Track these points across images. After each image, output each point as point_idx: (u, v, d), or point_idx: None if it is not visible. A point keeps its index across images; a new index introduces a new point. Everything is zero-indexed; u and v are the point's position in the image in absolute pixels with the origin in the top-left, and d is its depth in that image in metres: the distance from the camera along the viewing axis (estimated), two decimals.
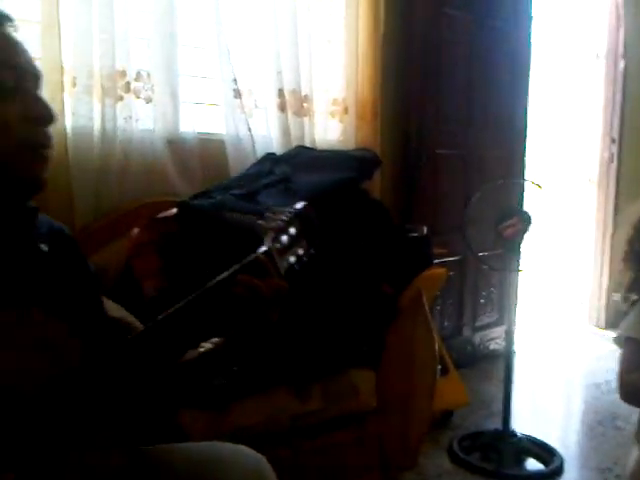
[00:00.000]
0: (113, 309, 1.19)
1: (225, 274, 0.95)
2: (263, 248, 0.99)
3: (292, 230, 1.05)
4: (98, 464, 0.86)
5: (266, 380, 1.77)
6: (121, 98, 2.02)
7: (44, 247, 0.96)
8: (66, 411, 0.82)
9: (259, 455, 1.09)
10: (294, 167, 1.98)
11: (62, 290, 0.97)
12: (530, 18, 3.37)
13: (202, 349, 1.00)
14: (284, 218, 1.05)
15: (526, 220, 2.31)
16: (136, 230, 1.85)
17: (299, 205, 1.08)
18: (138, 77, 2.07)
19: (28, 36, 1.59)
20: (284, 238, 1.03)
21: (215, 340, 1.01)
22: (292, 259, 1.04)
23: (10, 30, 0.89)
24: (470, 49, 3.11)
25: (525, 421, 2.65)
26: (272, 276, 0.97)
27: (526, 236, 2.34)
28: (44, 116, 0.90)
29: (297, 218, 1.07)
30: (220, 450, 1.09)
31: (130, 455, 0.90)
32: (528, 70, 3.42)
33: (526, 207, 2.39)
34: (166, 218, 1.86)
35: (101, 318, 1.07)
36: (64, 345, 0.86)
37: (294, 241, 1.05)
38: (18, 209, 0.93)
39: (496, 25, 3.17)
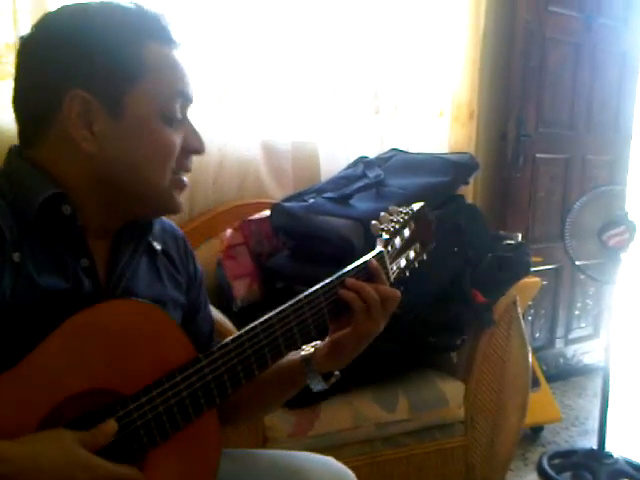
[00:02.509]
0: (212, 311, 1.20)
1: (334, 276, 0.94)
2: (375, 252, 0.98)
3: (406, 232, 1.04)
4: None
5: (350, 379, 1.76)
6: (219, 101, 2.05)
7: (157, 245, 0.99)
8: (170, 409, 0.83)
9: (348, 470, 1.08)
10: (388, 170, 1.95)
11: (170, 287, 0.99)
12: None
13: (304, 352, 1.00)
14: (399, 220, 1.03)
15: (632, 229, 2.22)
16: (229, 231, 1.88)
17: (416, 206, 1.06)
18: (236, 79, 2.10)
19: None
20: (397, 241, 1.02)
21: (317, 343, 1.00)
22: (403, 263, 1.03)
23: (182, 56, 0.90)
24: (576, 49, 2.99)
25: (622, 441, 2.51)
26: (382, 281, 0.96)
27: (631, 246, 2.24)
28: (199, 148, 0.93)
29: (412, 220, 1.05)
30: (308, 461, 1.08)
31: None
32: (637, 71, 3.25)
33: (631, 216, 2.27)
34: (259, 220, 1.88)
35: (204, 317, 1.09)
36: (173, 344, 0.87)
37: (407, 244, 1.04)
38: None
39: (605, 24, 3.03)
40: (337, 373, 1.01)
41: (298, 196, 1.94)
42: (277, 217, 1.83)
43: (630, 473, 2.28)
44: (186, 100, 0.90)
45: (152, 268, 0.97)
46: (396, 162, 2.03)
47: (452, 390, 1.90)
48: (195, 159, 0.96)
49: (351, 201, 1.82)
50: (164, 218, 1.04)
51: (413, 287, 1.73)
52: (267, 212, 1.89)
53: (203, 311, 1.09)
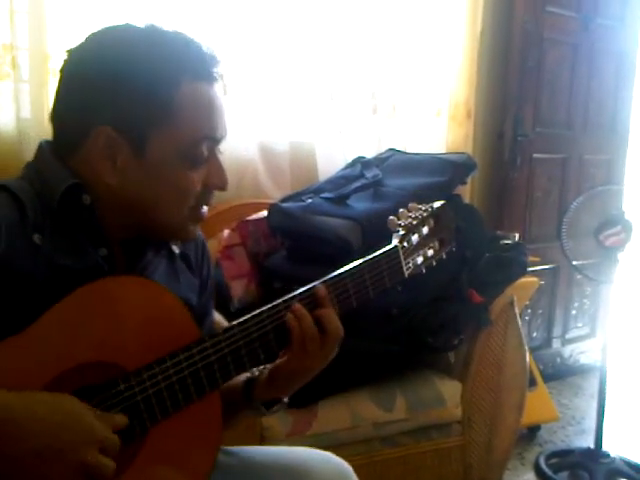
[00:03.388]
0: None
1: (282, 298, 0.91)
2: (389, 246, 0.98)
3: (425, 230, 1.03)
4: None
5: (347, 379, 1.76)
6: None
7: (175, 249, 1.00)
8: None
9: (347, 465, 1.08)
10: (385, 170, 1.95)
11: (185, 288, 1.00)
12: (639, 14, 3.20)
13: (249, 374, 0.99)
14: (418, 216, 1.02)
15: (629, 229, 2.22)
16: (226, 232, 1.87)
17: (436, 204, 1.05)
18: (235, 77, 2.10)
19: None
20: (414, 237, 1.01)
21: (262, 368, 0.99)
22: (420, 260, 1.02)
23: (219, 89, 0.90)
24: (574, 49, 3.00)
25: (618, 440, 2.52)
26: (328, 312, 0.91)
27: (628, 246, 2.25)
28: (222, 187, 0.93)
29: (432, 217, 1.04)
30: (307, 457, 1.08)
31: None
32: (634, 71, 3.26)
33: (628, 215, 2.27)
34: (256, 220, 1.88)
35: (209, 323, 1.09)
36: (181, 326, 0.87)
37: (425, 241, 1.03)
38: None
39: (603, 24, 3.03)
40: (285, 400, 0.99)
41: (296, 196, 1.94)
42: (274, 217, 1.83)
43: (627, 472, 2.29)
44: (214, 141, 0.90)
45: (170, 269, 0.98)
46: (394, 162, 2.03)
47: (449, 390, 1.90)
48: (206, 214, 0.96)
49: (349, 201, 1.82)
50: None
51: (411, 287, 1.74)
52: (265, 212, 1.89)
53: (209, 316, 1.09)
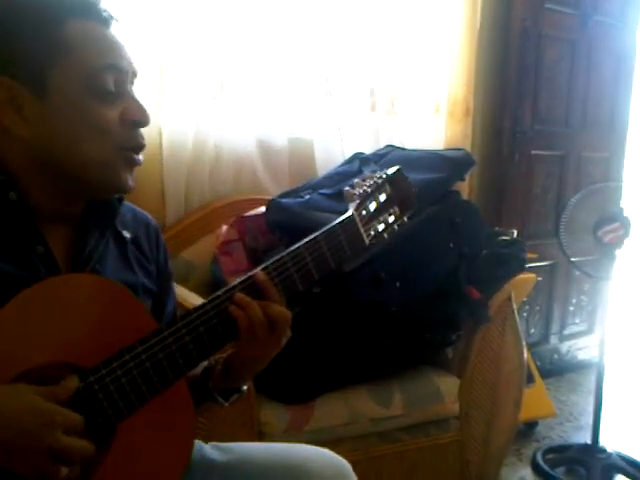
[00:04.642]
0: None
1: (224, 289, 0.88)
2: (345, 216, 0.97)
3: (382, 196, 1.02)
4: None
5: (345, 376, 1.76)
6: (215, 97, 2.05)
7: (126, 234, 0.98)
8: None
9: (344, 461, 1.08)
10: (384, 167, 1.95)
11: (141, 275, 0.99)
12: (639, 14, 3.20)
13: (206, 362, 0.98)
14: (372, 184, 1.01)
15: (627, 226, 2.22)
16: (224, 227, 1.88)
17: (391, 170, 1.04)
18: (232, 77, 2.10)
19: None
20: (371, 205, 1.00)
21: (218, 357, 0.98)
22: (380, 227, 1.01)
23: (114, 31, 0.89)
24: (572, 46, 3.00)
25: (615, 436, 2.53)
26: (273, 299, 0.89)
27: (626, 242, 2.25)
28: (141, 120, 0.90)
29: (387, 183, 1.03)
30: (305, 453, 1.08)
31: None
32: (633, 69, 3.26)
33: (626, 212, 2.28)
34: (255, 216, 1.88)
35: (162, 311, 1.07)
36: (134, 318, 0.86)
37: (383, 208, 1.02)
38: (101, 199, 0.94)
39: (601, 21, 3.03)
40: (244, 388, 0.99)
41: (294, 192, 1.94)
42: (273, 213, 1.83)
43: (624, 468, 2.30)
44: (120, 72, 0.88)
45: (121, 256, 0.96)
46: (392, 158, 2.03)
47: (447, 386, 1.90)
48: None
49: None
50: (137, 207, 1.04)
51: (409, 283, 1.74)
52: (263, 208, 1.89)
53: (170, 304, 1.08)
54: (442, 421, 1.92)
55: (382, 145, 2.30)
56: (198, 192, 2.04)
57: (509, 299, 2.00)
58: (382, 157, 2.05)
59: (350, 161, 2.09)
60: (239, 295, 0.87)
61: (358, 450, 1.75)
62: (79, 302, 0.82)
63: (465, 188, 2.58)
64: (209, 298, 0.88)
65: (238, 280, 0.89)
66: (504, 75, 2.83)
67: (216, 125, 2.07)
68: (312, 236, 0.93)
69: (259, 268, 0.90)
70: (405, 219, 1.05)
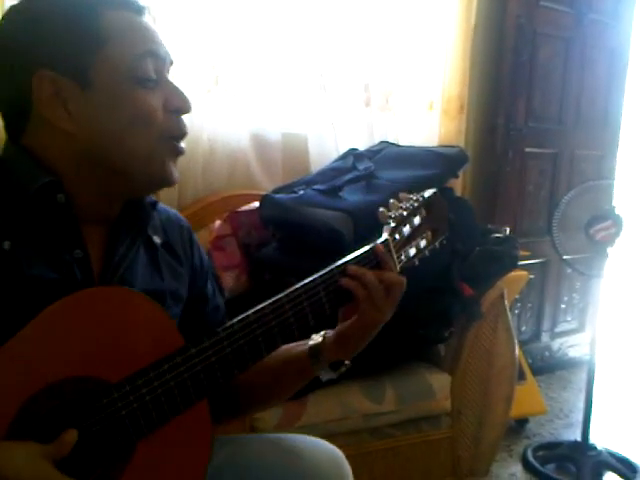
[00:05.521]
0: None
1: (335, 264, 0.91)
2: (381, 239, 0.96)
3: (416, 220, 1.00)
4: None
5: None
6: (209, 91, 2.04)
7: (157, 239, 0.97)
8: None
9: (337, 450, 1.08)
10: (378, 163, 1.95)
11: (170, 280, 0.98)
12: (633, 12, 3.21)
13: (312, 341, 0.99)
14: (409, 207, 1.00)
15: (619, 224, 2.23)
16: (218, 222, 1.87)
17: (427, 193, 1.03)
18: (227, 70, 2.08)
19: None
20: (405, 229, 0.99)
21: (327, 332, 0.99)
22: (412, 252, 1.00)
23: (148, 19, 0.90)
24: (567, 44, 3.00)
25: (605, 433, 2.54)
26: (389, 268, 0.94)
27: (617, 240, 2.26)
28: (184, 106, 0.90)
29: (423, 207, 1.02)
30: (299, 442, 1.07)
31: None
32: (626, 67, 3.27)
33: (618, 210, 2.28)
34: (248, 211, 1.88)
35: (214, 307, 1.07)
36: (162, 333, 0.85)
37: (416, 232, 1.01)
38: (137, 203, 0.93)
39: (596, 19, 3.04)
40: (347, 362, 0.99)
41: (288, 188, 1.94)
42: (266, 208, 1.83)
43: (613, 465, 2.31)
44: (159, 59, 0.88)
45: (151, 262, 0.95)
46: (386, 155, 2.03)
47: (439, 382, 1.91)
48: (186, 148, 0.94)
49: (341, 193, 1.82)
50: (170, 208, 1.04)
51: None
52: (256, 203, 1.88)
53: (212, 301, 1.07)
54: (434, 417, 1.93)
55: (376, 141, 2.30)
56: (192, 187, 2.03)
57: (501, 296, 2.01)
58: (376, 153, 2.05)
59: (344, 157, 2.09)
60: (352, 267, 0.91)
61: (350, 446, 1.75)
62: (107, 316, 0.81)
63: (459, 185, 2.58)
64: (238, 319, 0.87)
65: (353, 254, 0.93)
66: (498, 72, 2.83)
67: (210, 119, 2.06)
68: (343, 260, 0.92)
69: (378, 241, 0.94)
70: (437, 245, 1.04)
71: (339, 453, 1.08)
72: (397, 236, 0.97)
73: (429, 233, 1.02)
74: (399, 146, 2.17)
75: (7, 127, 0.89)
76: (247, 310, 0.89)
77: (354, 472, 1.07)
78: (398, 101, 2.48)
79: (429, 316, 1.82)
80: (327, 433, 1.70)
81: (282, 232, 1.81)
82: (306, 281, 0.90)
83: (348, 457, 1.08)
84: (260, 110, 2.18)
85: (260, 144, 2.19)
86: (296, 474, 1.00)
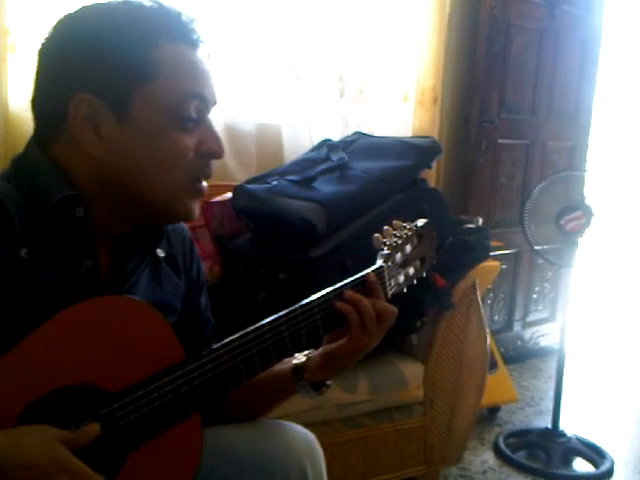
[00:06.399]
0: None
1: (332, 290, 0.94)
2: (375, 266, 0.98)
3: (408, 248, 1.03)
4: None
5: None
6: None
7: (161, 253, 0.97)
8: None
9: (309, 432, 1.09)
10: (352, 154, 1.95)
11: (168, 293, 0.98)
12: (604, 4, 3.24)
13: (296, 360, 1.00)
14: (403, 235, 1.02)
15: (589, 214, 2.26)
16: None
17: (420, 222, 1.06)
18: None
19: None
20: (398, 256, 1.01)
21: (310, 352, 1.00)
22: (401, 279, 1.03)
23: (203, 56, 0.87)
24: (540, 36, 3.02)
25: (575, 421, 2.59)
26: (379, 297, 0.96)
27: (587, 231, 2.29)
28: (217, 152, 0.89)
29: (416, 236, 1.05)
30: (271, 425, 1.08)
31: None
32: (598, 59, 3.30)
33: (588, 200, 2.31)
34: (221, 202, 1.87)
35: (204, 320, 1.08)
36: (164, 345, 0.85)
37: (408, 260, 1.03)
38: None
39: (568, 11, 3.06)
40: (329, 383, 1.01)
41: (261, 178, 1.93)
42: (239, 199, 1.82)
43: (582, 451, 2.35)
44: (203, 102, 0.87)
45: (153, 275, 0.96)
46: (360, 145, 2.03)
47: (411, 371, 1.92)
48: (206, 189, 0.92)
49: (314, 184, 1.82)
50: None
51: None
52: (229, 194, 1.87)
53: (203, 315, 1.08)
54: (406, 406, 1.94)
55: (350, 132, 2.30)
56: None
57: (474, 286, 2.02)
58: (350, 144, 2.05)
59: (318, 147, 2.08)
60: (349, 292, 0.93)
61: (323, 436, 1.74)
62: (111, 325, 0.81)
63: (432, 176, 2.59)
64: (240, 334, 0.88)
65: (347, 280, 0.95)
66: (472, 64, 2.85)
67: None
68: (341, 284, 0.95)
69: (369, 270, 0.96)
70: (424, 274, 1.07)
71: (313, 436, 1.08)
72: (390, 263, 0.99)
73: (417, 262, 1.05)
74: (373, 137, 2.17)
75: (38, 132, 0.88)
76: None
77: (327, 462, 1.08)
78: (372, 92, 2.49)
79: (401, 306, 1.83)
80: (300, 423, 1.68)
81: (255, 223, 1.80)
82: (303, 303, 0.92)
83: (321, 447, 1.09)
84: (234, 100, 2.17)
85: (234, 134, 2.18)
86: (269, 455, 1.00)
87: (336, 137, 2.23)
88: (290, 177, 1.86)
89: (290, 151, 2.24)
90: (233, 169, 2.16)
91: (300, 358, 1.00)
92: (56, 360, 0.78)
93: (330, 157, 1.94)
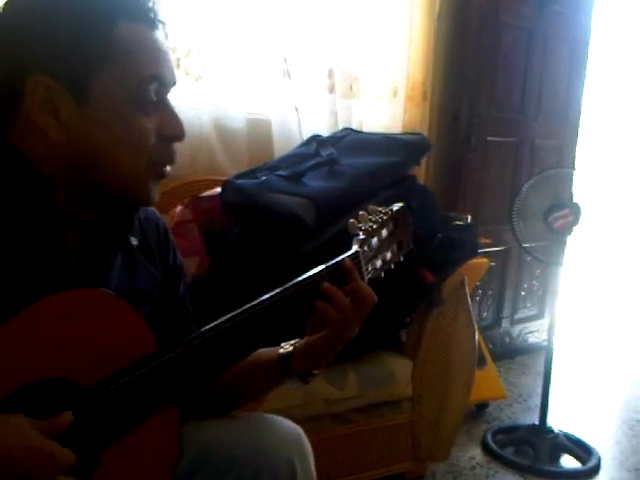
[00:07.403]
0: None
1: (308, 276, 0.92)
2: (350, 252, 0.97)
3: (384, 232, 1.02)
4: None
5: None
6: None
7: (134, 241, 0.95)
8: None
9: (298, 427, 1.08)
10: (341, 149, 1.95)
11: (143, 281, 0.97)
12: (592, 4, 3.25)
13: (282, 349, 0.99)
14: (378, 219, 1.01)
15: (577, 212, 2.27)
16: (179, 208, 1.85)
17: (396, 206, 1.05)
18: (189, 54, 2.05)
19: None
20: (374, 241, 1.00)
21: (297, 341, 1.00)
22: (379, 264, 1.01)
23: (162, 36, 0.86)
24: (529, 34, 3.03)
25: (562, 417, 2.60)
26: (357, 282, 0.94)
27: (575, 229, 2.30)
28: (178, 135, 0.88)
29: (391, 220, 1.04)
30: (259, 418, 1.07)
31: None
32: (587, 58, 3.32)
33: (576, 199, 2.32)
34: (210, 197, 1.86)
35: (182, 309, 1.07)
36: (138, 337, 0.84)
37: (384, 245, 1.02)
38: (119, 208, 0.92)
39: (557, 10, 3.07)
40: (315, 372, 1.01)
41: (250, 173, 1.92)
42: (228, 194, 1.81)
43: (569, 447, 2.36)
44: (163, 84, 0.85)
45: (126, 264, 0.94)
46: (349, 141, 2.03)
47: (400, 368, 1.93)
48: (170, 173, 0.91)
49: (303, 179, 1.82)
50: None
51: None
52: (218, 189, 1.87)
53: (182, 303, 1.06)
54: (395, 403, 1.94)
55: (340, 127, 2.30)
56: None
57: (462, 283, 2.03)
58: (339, 140, 2.05)
59: (307, 143, 2.08)
60: (325, 285, 0.91)
61: (312, 431, 1.73)
62: (81, 318, 0.80)
63: (421, 172, 2.59)
64: (212, 325, 0.86)
65: (322, 267, 0.92)
66: (462, 60, 2.85)
67: (173, 104, 2.03)
68: (317, 269, 0.93)
69: (345, 255, 0.94)
70: (401, 258, 1.06)
71: (300, 429, 1.08)
72: (366, 248, 0.98)
73: (394, 247, 1.04)
74: (362, 133, 2.17)
75: None
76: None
77: (316, 457, 1.08)
78: (362, 87, 2.48)
79: (390, 303, 1.83)
80: (289, 418, 1.70)
81: (244, 218, 1.79)
82: (279, 290, 0.90)
83: (310, 442, 1.08)
84: (223, 95, 2.16)
85: (223, 129, 2.17)
86: (258, 449, 0.99)
87: (326, 132, 2.23)
88: (279, 172, 1.86)
89: (280, 146, 2.23)
90: (223, 164, 2.15)
91: (287, 348, 0.99)
92: (26, 355, 0.76)
93: (319, 152, 1.94)
